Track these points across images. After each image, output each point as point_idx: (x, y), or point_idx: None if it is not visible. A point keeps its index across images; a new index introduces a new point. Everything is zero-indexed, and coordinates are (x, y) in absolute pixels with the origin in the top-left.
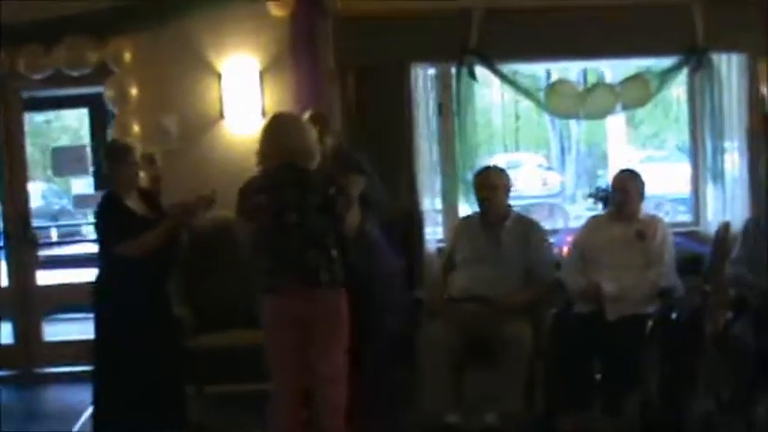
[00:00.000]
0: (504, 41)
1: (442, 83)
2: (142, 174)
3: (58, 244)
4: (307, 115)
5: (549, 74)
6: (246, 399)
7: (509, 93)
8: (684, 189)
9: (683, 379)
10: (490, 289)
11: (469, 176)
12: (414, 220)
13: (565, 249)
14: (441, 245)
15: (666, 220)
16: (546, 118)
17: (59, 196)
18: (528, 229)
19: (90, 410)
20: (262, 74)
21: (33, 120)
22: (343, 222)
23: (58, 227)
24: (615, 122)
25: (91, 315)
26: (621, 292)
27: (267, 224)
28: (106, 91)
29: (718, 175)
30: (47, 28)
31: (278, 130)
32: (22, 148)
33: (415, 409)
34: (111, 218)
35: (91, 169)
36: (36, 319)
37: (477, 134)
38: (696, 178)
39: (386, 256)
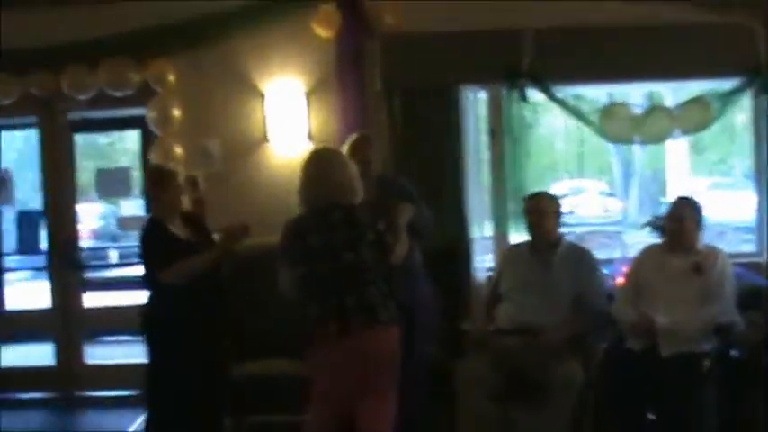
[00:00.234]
0: (556, 63)
1: (494, 106)
2: (185, 197)
3: (118, 266)
4: (352, 138)
5: (610, 97)
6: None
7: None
8: (750, 217)
9: (743, 422)
10: (538, 319)
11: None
12: (461, 248)
13: (619, 280)
14: (490, 273)
15: (728, 249)
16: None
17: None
18: (579, 258)
19: None
20: (307, 96)
21: (97, 141)
22: (391, 254)
23: (118, 248)
24: (676, 148)
25: (135, 338)
26: (676, 327)
27: (322, 266)
28: (149, 112)
29: None
30: (90, 49)
31: (321, 168)
32: (67, 169)
33: None
34: (154, 244)
35: (135, 191)
36: (77, 341)
37: (529, 159)
38: (761, 206)
39: (426, 286)
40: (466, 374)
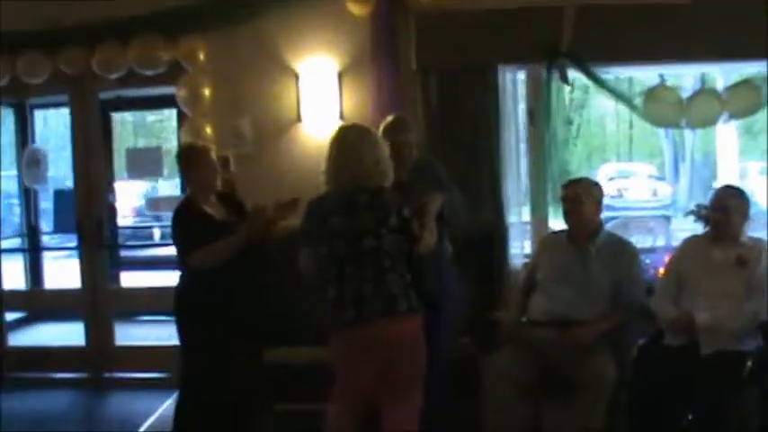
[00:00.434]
0: (600, 42)
1: (533, 87)
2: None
3: (153, 245)
4: (387, 121)
5: (662, 78)
6: (310, 418)
7: None
8: None
9: None
10: (572, 312)
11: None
12: (497, 234)
13: (661, 270)
14: (527, 261)
15: None
16: None
17: None
18: (619, 249)
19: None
20: (340, 75)
21: (146, 119)
22: (419, 243)
23: (162, 227)
24: (726, 132)
25: (169, 319)
26: (717, 324)
27: (341, 250)
28: (178, 91)
29: None
30: (120, 26)
31: (349, 146)
32: (99, 147)
33: None
34: (188, 224)
35: (165, 171)
36: (108, 321)
37: (578, 140)
38: None
39: (453, 277)
40: (494, 368)
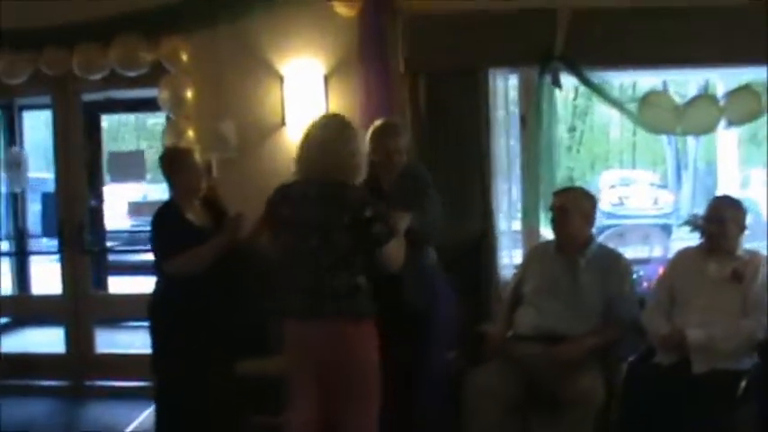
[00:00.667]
0: (594, 46)
1: (525, 91)
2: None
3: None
4: (378, 123)
5: (665, 84)
6: None
7: None
8: None
9: None
10: (560, 326)
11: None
12: (486, 244)
13: (654, 283)
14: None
15: None
16: None
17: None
18: (610, 262)
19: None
20: (327, 78)
21: (147, 122)
22: (379, 254)
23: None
24: (727, 139)
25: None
26: (710, 342)
27: (290, 240)
28: (160, 93)
29: None
30: (101, 26)
31: (322, 136)
32: (80, 150)
33: None
34: (166, 229)
35: (148, 175)
36: (88, 328)
37: (559, 149)
38: None
39: (443, 287)
40: (479, 383)
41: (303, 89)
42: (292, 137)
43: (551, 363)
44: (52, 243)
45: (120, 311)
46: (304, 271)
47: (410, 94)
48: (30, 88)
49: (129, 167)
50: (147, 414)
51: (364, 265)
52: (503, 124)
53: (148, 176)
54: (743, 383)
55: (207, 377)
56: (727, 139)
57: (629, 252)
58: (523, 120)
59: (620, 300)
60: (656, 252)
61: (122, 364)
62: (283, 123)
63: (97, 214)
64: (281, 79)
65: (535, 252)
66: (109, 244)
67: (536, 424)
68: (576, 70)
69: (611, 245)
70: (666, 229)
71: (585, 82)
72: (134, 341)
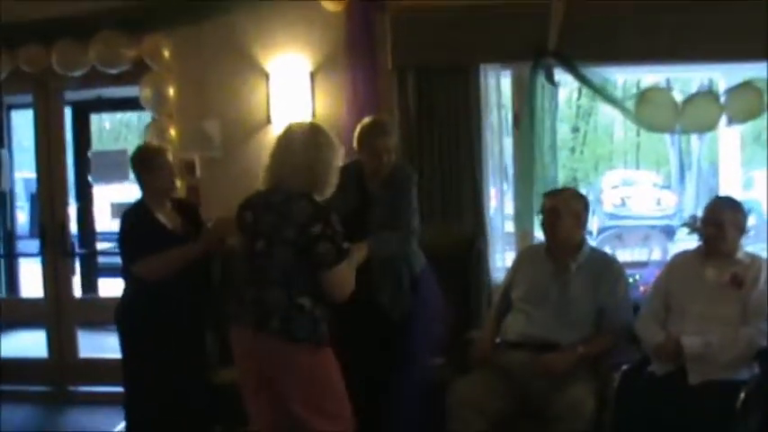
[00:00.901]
0: (589, 41)
1: (518, 88)
2: (178, 183)
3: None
4: (367, 122)
5: (668, 82)
6: None
7: None
8: None
9: None
10: (551, 335)
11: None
12: (477, 247)
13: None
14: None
15: None
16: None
17: None
18: (603, 266)
19: None
20: (313, 75)
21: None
22: (323, 276)
23: None
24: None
25: None
26: (707, 351)
27: (245, 248)
28: (141, 91)
29: None
30: (81, 22)
31: (284, 145)
32: (62, 150)
33: None
34: (135, 230)
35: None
36: (71, 332)
37: (560, 149)
38: None
39: (430, 290)
40: (462, 394)
41: (289, 86)
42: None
43: (539, 373)
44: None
45: (106, 315)
46: (252, 282)
47: (398, 91)
48: (11, 86)
49: (113, 167)
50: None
51: (310, 285)
52: (495, 122)
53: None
54: (742, 395)
55: (177, 386)
56: (729, 139)
57: (628, 255)
58: (516, 118)
59: (612, 306)
60: (655, 255)
61: (106, 370)
62: (269, 121)
63: (86, 215)
64: (266, 76)
65: (525, 255)
66: (101, 246)
67: None
68: (570, 66)
69: (608, 247)
70: (669, 231)
71: (580, 78)
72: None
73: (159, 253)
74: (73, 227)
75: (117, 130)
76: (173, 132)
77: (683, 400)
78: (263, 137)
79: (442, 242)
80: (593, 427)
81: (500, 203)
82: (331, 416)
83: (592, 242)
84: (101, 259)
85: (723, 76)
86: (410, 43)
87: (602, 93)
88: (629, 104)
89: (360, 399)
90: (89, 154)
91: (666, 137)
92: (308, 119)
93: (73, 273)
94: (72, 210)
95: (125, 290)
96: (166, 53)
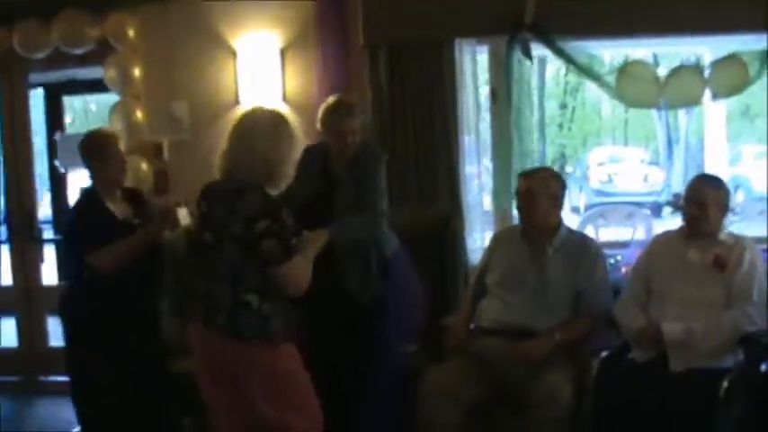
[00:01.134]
0: (567, 14)
1: (495, 63)
2: (145, 166)
3: None
4: (330, 101)
5: (655, 58)
6: None
7: None
8: None
9: None
10: (528, 320)
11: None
12: (453, 227)
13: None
14: None
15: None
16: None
17: None
18: (580, 249)
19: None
20: (283, 52)
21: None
22: (273, 274)
23: None
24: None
25: None
26: (689, 337)
27: (196, 237)
28: (106, 72)
29: None
30: (42, 3)
31: (237, 132)
32: (27, 135)
33: None
34: (87, 220)
35: None
36: (41, 321)
37: (531, 124)
38: None
39: (404, 275)
40: (435, 382)
41: (258, 65)
42: None
43: (516, 361)
44: None
45: None
46: (202, 274)
47: (371, 68)
48: None
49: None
50: None
51: (258, 282)
52: (471, 99)
53: None
54: (725, 383)
55: (130, 376)
56: (715, 113)
57: (611, 233)
58: (493, 94)
59: (590, 290)
60: (639, 234)
61: None
62: (237, 102)
63: (59, 201)
64: (234, 54)
65: (500, 238)
66: None
67: (498, 427)
68: (547, 40)
69: (591, 225)
70: (656, 208)
71: (558, 52)
72: None
73: (110, 245)
74: (49, 212)
75: (104, 113)
76: (139, 114)
77: (664, 388)
78: (232, 118)
79: (416, 224)
80: (571, 415)
81: (481, 182)
82: (297, 411)
83: (578, 219)
84: None
85: (710, 50)
86: (382, 19)
87: (581, 67)
88: (610, 79)
89: (327, 387)
90: (56, 137)
91: (654, 112)
92: (277, 99)
93: (42, 260)
94: (47, 195)
95: (72, 278)
96: (131, 32)
